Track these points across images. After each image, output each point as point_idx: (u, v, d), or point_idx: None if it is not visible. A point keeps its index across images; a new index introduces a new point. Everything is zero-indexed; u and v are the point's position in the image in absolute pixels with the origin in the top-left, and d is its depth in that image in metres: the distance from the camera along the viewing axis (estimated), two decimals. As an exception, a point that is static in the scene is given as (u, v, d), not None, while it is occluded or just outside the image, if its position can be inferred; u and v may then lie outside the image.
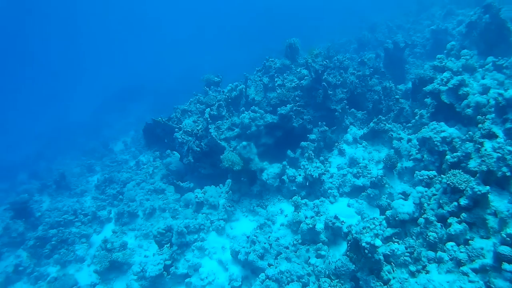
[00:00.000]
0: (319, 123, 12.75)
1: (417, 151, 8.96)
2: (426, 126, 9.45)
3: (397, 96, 12.57)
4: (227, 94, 13.39)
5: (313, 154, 10.78)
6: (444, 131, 8.40)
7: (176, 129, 14.23)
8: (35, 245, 13.31)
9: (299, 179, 10.19)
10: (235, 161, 9.46)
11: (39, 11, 76.02)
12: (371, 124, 11.35)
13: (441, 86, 9.51)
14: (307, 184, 10.14)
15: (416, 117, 10.67)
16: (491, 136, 7.06)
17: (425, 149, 8.67)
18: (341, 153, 11.83)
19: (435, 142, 8.27)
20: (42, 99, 56.35)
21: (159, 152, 16.56)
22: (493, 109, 7.65)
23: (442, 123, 8.72)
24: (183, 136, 13.66)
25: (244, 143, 10.00)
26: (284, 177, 10.45)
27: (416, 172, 8.21)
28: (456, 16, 21.14)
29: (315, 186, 10.12)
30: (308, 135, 12.58)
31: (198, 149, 12.89)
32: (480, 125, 7.12)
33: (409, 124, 11.45)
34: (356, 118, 13.01)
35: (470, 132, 7.63)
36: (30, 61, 72.19)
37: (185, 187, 13.59)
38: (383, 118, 11.67)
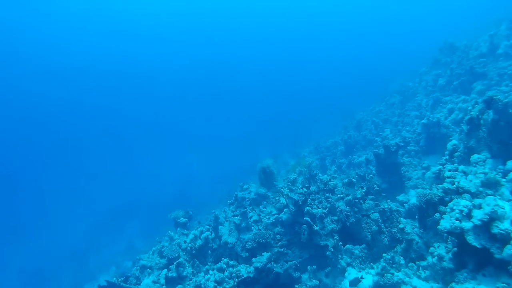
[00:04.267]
0: (308, 267, 9.95)
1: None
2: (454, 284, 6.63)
3: (401, 226, 9.88)
4: (190, 244, 10.72)
5: None
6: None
7: (134, 293, 11.27)
8: None
9: None
10: None
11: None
12: (375, 278, 8.48)
13: (463, 223, 6.80)
14: None
15: (434, 259, 7.85)
16: None
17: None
18: (342, 311, 8.86)
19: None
20: (31, 226, 53.17)
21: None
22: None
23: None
24: (140, 304, 10.68)
25: None
26: None
27: None
28: (445, 104, 19.35)
29: None
30: (295, 286, 9.73)
31: (157, 324, 9.85)
32: None
33: (424, 263, 8.62)
34: (353, 256, 10.19)
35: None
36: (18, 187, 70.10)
37: None
38: (388, 257, 8.90)
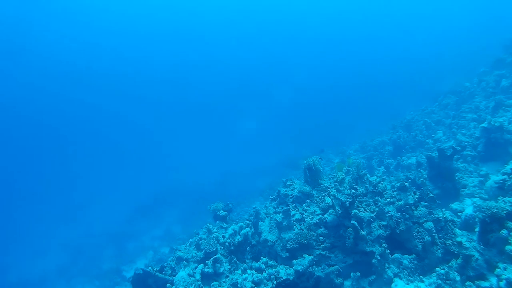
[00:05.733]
0: (352, 274, 9.34)
1: None
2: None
3: (459, 239, 9.04)
4: (229, 240, 10.30)
5: None
6: None
7: (169, 284, 10.99)
8: None
9: None
10: None
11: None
12: (429, 296, 7.76)
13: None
14: None
15: (501, 283, 7.02)
16: None
17: None
18: (387, 328, 8.20)
19: None
20: (75, 206, 54.92)
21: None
22: None
23: None
24: (175, 296, 10.40)
25: None
26: None
27: None
28: (509, 108, 17.93)
29: None
30: (338, 294, 9.19)
31: (190, 318, 9.54)
32: None
33: (486, 284, 7.78)
34: (401, 267, 9.43)
35: None
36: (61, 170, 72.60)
37: None
38: (442, 272, 8.16)
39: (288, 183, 12.68)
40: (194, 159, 58.38)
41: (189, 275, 10.78)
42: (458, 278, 8.33)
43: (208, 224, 12.66)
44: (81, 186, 61.23)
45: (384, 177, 13.25)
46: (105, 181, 62.06)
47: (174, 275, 11.46)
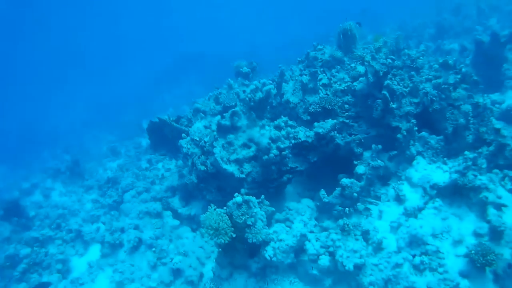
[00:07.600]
0: (373, 146, 8.90)
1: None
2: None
3: (497, 126, 8.34)
4: (250, 95, 9.76)
5: (351, 225, 6.78)
6: None
7: (184, 134, 10.86)
8: (4, 265, 10.83)
9: (324, 261, 6.40)
10: (222, 229, 5.81)
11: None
12: (454, 176, 7.31)
13: None
14: (336, 269, 6.37)
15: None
16: None
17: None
18: (399, 199, 8.01)
19: None
20: (101, 66, 54.95)
21: (167, 157, 13.45)
22: None
23: None
24: (188, 146, 10.32)
25: (239, 198, 6.29)
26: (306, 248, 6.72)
27: None
28: None
29: (348, 277, 6.37)
30: (355, 162, 8.86)
31: (203, 167, 9.53)
32: None
33: (514, 173, 7.32)
34: (427, 146, 8.93)
35: None
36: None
37: (184, 214, 10.35)
38: (470, 156, 7.64)
39: (319, 47, 11.77)
40: (224, 27, 56.15)
41: (205, 126, 10.57)
42: (485, 165, 7.83)
43: (229, 79, 12.12)
44: (102, 51, 60.57)
45: (423, 58, 12.13)
46: (126, 46, 60.98)
47: (190, 126, 11.30)
